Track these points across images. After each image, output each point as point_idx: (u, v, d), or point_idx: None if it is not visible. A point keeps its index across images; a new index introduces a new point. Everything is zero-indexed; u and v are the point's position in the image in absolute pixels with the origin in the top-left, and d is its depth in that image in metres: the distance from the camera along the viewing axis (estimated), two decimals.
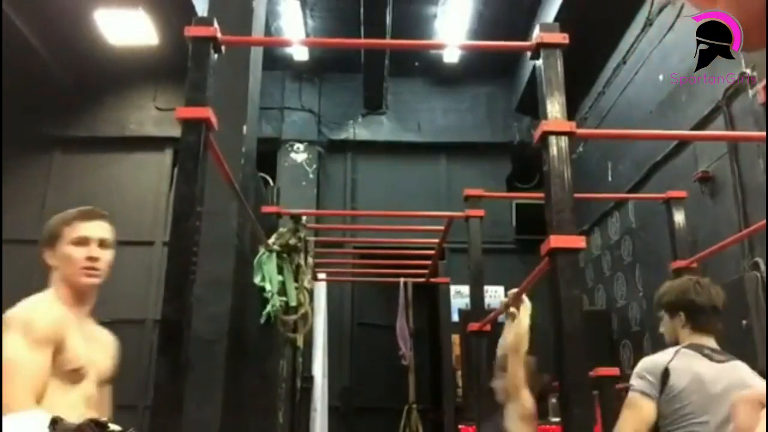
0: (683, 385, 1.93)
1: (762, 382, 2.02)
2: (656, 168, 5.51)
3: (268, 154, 7.56)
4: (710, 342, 2.07)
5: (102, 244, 1.75)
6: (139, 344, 6.58)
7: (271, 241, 3.97)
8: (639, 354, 5.78)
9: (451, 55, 7.90)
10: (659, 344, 5.84)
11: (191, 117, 2.17)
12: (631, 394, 2.02)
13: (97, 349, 1.76)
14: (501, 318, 3.03)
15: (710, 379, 1.95)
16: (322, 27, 7.63)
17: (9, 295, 6.78)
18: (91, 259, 1.71)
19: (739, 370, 2.04)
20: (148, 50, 6.66)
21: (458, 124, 8.28)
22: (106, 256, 1.75)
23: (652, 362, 2.04)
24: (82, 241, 1.73)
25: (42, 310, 1.68)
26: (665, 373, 1.95)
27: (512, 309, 2.56)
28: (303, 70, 8.27)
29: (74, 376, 1.66)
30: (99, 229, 1.76)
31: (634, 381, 2.03)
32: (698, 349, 2.02)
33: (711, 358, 2.01)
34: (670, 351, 2.06)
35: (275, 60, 7.77)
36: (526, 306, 2.52)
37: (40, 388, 1.62)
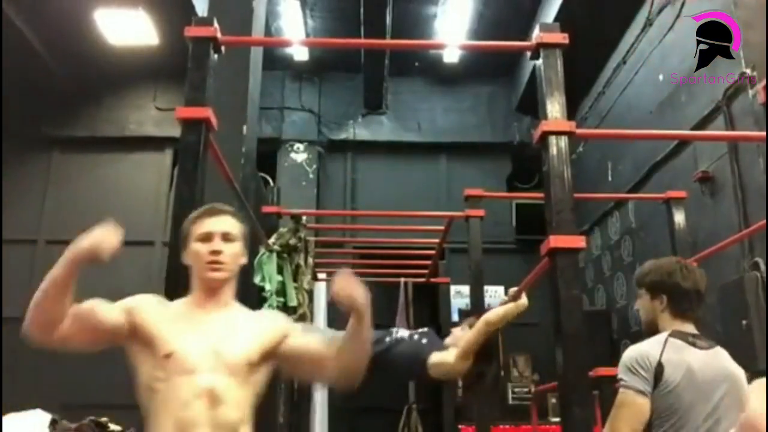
0: (677, 380, 1.89)
1: (740, 370, 2.01)
2: (656, 168, 5.51)
3: (268, 154, 7.56)
4: (691, 328, 2.03)
5: (225, 237, 1.75)
6: None
7: (271, 241, 3.98)
8: None
9: (451, 55, 7.90)
10: None
11: (191, 117, 2.18)
12: (624, 392, 1.93)
13: (222, 337, 1.68)
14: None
15: (698, 370, 1.92)
16: (322, 27, 7.63)
17: (9, 295, 6.79)
18: (214, 252, 1.71)
19: (720, 356, 2.02)
20: (148, 50, 6.66)
21: (458, 124, 8.28)
22: (231, 249, 1.75)
23: (641, 355, 1.94)
24: (206, 237, 1.74)
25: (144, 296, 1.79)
26: (659, 368, 1.91)
27: (521, 297, 3.06)
28: (303, 70, 8.27)
29: (176, 366, 1.62)
30: (222, 224, 1.77)
31: (626, 376, 1.93)
32: (683, 337, 1.97)
33: (696, 345, 1.98)
34: (657, 341, 1.98)
35: (275, 60, 7.77)
36: (523, 302, 3.06)
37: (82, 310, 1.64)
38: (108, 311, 1.70)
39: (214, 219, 1.77)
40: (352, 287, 1.59)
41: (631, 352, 1.99)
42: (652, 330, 2.09)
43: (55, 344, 1.64)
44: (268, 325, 1.78)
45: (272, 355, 1.74)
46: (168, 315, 1.73)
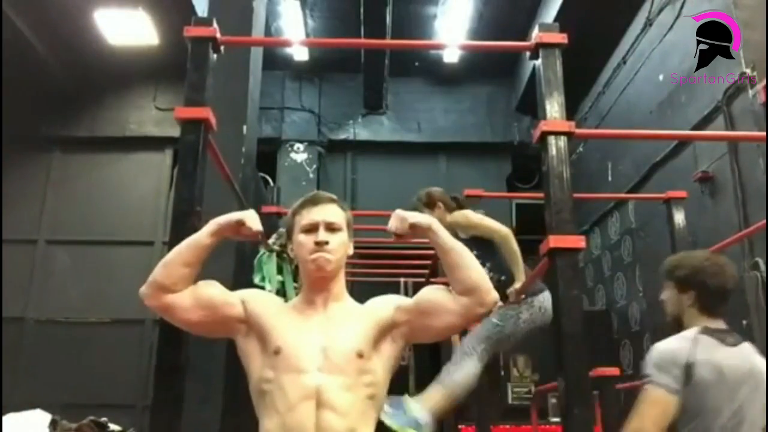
0: (708, 380, 1.86)
1: (763, 365, 1.98)
2: (656, 168, 5.51)
3: (268, 154, 7.57)
4: (720, 324, 1.99)
5: (330, 227, 1.66)
6: (139, 344, 6.57)
7: (271, 241, 3.97)
8: (639, 354, 5.79)
9: (451, 55, 7.90)
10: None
11: (190, 117, 2.18)
12: (653, 389, 1.88)
13: (332, 334, 1.62)
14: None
15: (727, 368, 1.89)
16: (322, 27, 7.63)
17: (9, 295, 6.78)
18: (318, 243, 1.64)
19: (746, 352, 1.99)
20: (148, 50, 6.66)
21: (458, 124, 8.28)
22: (336, 239, 1.66)
23: (672, 353, 1.90)
24: (311, 228, 1.67)
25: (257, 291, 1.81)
26: (689, 367, 1.88)
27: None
28: (303, 70, 8.27)
29: (283, 362, 1.56)
30: (326, 213, 1.68)
31: (656, 374, 1.88)
32: (713, 334, 1.95)
33: (725, 342, 1.95)
34: (686, 338, 1.95)
35: (275, 60, 7.77)
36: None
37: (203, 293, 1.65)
38: (228, 294, 1.68)
39: (317, 208, 1.69)
40: (403, 218, 1.64)
41: (661, 349, 1.95)
42: (678, 324, 2.06)
43: (164, 309, 1.63)
44: (375, 312, 1.68)
45: (387, 339, 1.65)
46: (280, 309, 1.69)
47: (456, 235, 3.02)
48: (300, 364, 1.56)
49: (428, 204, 3.24)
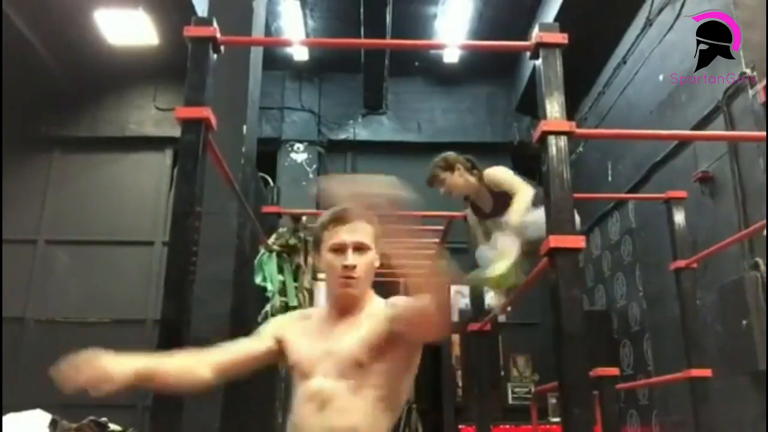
0: None
1: None
2: (656, 168, 5.51)
3: (268, 154, 7.56)
4: None
5: (359, 248, 1.65)
6: (139, 344, 6.55)
7: (271, 241, 3.97)
8: (639, 354, 5.79)
9: (451, 55, 7.90)
10: (659, 343, 5.84)
11: (190, 117, 2.17)
12: None
13: (336, 341, 1.65)
14: (501, 318, 3.08)
15: None
16: (322, 27, 7.63)
17: (9, 295, 6.78)
18: (346, 268, 1.63)
19: None
20: (148, 50, 6.66)
21: (458, 124, 8.27)
22: (365, 260, 1.66)
23: None
24: (339, 248, 1.65)
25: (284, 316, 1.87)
26: None
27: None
28: (303, 70, 8.27)
29: (298, 372, 1.67)
30: (355, 233, 1.66)
31: None
32: None
33: None
34: None
35: (275, 60, 7.77)
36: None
37: (224, 359, 1.66)
38: (257, 342, 1.74)
39: (347, 227, 1.66)
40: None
41: None
42: None
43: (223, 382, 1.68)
44: (377, 318, 1.66)
45: (388, 343, 1.63)
46: (301, 326, 1.75)
47: (491, 191, 3.22)
48: (308, 370, 1.63)
49: (447, 167, 3.26)
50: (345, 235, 1.66)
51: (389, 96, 8.24)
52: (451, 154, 3.34)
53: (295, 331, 1.73)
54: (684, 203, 3.62)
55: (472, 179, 3.24)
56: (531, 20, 6.83)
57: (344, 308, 1.70)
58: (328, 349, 1.63)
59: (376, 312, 1.70)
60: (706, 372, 3.25)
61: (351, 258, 1.64)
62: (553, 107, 2.19)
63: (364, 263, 1.66)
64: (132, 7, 6.05)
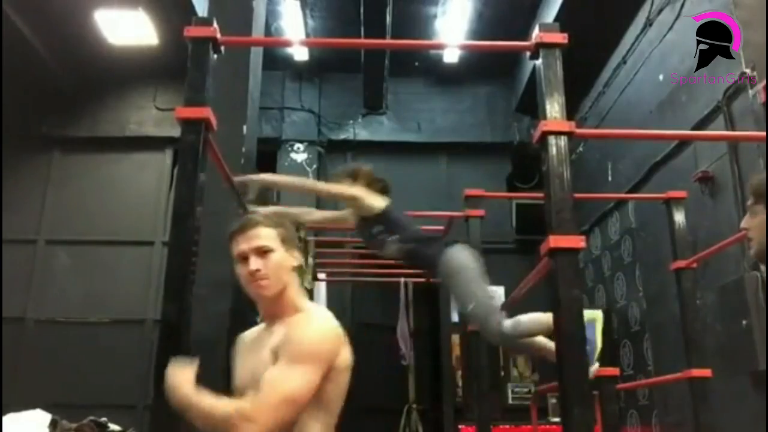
0: None
1: None
2: (656, 168, 5.51)
3: (268, 154, 7.56)
4: None
5: (260, 252, 1.69)
6: (139, 344, 6.57)
7: None
8: (639, 354, 5.79)
9: (451, 55, 7.89)
10: (659, 343, 5.83)
11: (190, 117, 2.18)
12: None
13: (252, 358, 1.72)
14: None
15: None
16: (322, 27, 7.62)
17: (9, 295, 6.77)
18: (251, 273, 1.68)
19: None
20: (148, 50, 6.66)
21: (458, 124, 8.27)
22: (270, 262, 1.69)
23: None
24: (242, 256, 1.71)
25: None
26: None
27: None
28: (303, 70, 8.26)
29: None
30: (252, 239, 1.71)
31: None
32: None
33: None
34: None
35: (275, 60, 7.77)
36: None
37: None
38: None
39: (244, 236, 1.72)
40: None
41: None
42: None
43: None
44: (273, 345, 1.66)
45: None
46: (244, 344, 1.84)
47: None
48: (235, 385, 1.74)
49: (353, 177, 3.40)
50: (243, 244, 1.71)
51: (389, 96, 8.24)
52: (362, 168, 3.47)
53: (239, 350, 1.83)
54: (684, 203, 3.63)
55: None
56: (531, 20, 6.83)
57: (270, 314, 1.75)
58: (251, 364, 1.71)
59: (285, 332, 1.66)
60: (706, 372, 3.25)
61: (254, 263, 1.68)
62: (553, 107, 2.19)
63: (270, 264, 1.69)
64: (132, 7, 6.05)
